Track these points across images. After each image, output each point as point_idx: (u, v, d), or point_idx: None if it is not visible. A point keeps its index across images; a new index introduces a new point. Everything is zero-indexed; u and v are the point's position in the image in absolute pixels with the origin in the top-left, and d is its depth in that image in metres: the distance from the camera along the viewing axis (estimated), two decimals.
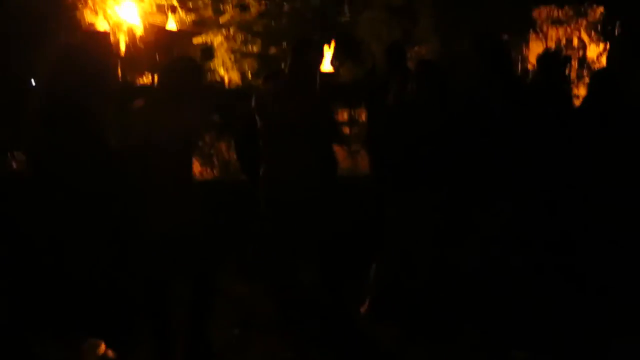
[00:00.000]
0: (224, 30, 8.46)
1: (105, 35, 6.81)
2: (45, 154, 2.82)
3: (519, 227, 3.32)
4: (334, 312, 3.64)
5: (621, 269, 3.35)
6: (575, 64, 7.57)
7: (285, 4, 8.42)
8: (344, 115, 6.76)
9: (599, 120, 3.49)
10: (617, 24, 6.96)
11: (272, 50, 8.38)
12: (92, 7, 7.44)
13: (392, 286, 3.60)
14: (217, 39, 8.48)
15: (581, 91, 6.72)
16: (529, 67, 7.60)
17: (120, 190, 2.89)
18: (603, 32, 7.33)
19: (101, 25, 6.84)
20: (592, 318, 3.25)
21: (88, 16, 7.39)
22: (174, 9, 8.11)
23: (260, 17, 8.50)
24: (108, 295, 2.93)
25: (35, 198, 2.87)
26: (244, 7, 8.40)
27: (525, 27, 7.78)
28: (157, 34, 7.66)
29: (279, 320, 3.62)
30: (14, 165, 5.16)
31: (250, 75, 8.45)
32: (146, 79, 7.51)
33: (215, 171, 6.21)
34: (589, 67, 7.53)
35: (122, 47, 7.60)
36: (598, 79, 3.76)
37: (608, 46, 7.19)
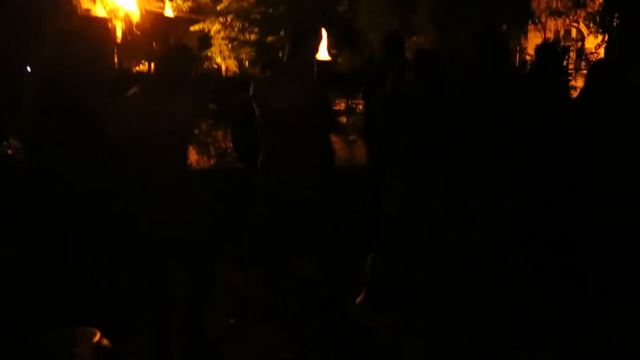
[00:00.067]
0: (221, 18, 8.41)
1: (103, 21, 6.75)
2: (41, 146, 2.81)
3: (519, 227, 3.32)
4: (330, 301, 3.65)
5: (621, 268, 3.35)
6: (573, 55, 7.56)
7: None
8: (341, 105, 6.75)
9: (598, 116, 3.48)
10: (616, 15, 6.93)
11: (270, 38, 8.34)
12: None
13: (389, 277, 3.60)
14: (214, 27, 8.43)
15: (579, 83, 6.72)
16: (527, 58, 7.59)
17: (117, 181, 2.88)
18: (602, 23, 7.30)
19: (99, 11, 6.78)
20: (592, 318, 3.25)
21: (85, 2, 7.33)
22: None
23: (258, 5, 8.45)
24: (105, 286, 2.93)
25: (33, 190, 2.87)
26: None
27: (524, 18, 7.75)
28: (154, 21, 7.60)
29: (275, 310, 3.62)
30: (10, 152, 5.14)
31: (247, 64, 8.41)
32: (142, 67, 7.47)
33: (211, 159, 6.20)
34: (587, 59, 7.52)
35: (119, 34, 7.55)
36: (596, 70, 3.75)
37: (607, 37, 7.16)
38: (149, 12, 7.75)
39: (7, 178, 3.56)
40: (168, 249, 2.96)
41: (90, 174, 2.82)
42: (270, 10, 8.50)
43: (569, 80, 6.31)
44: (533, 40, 7.61)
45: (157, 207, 2.87)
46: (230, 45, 8.44)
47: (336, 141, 5.31)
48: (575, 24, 7.83)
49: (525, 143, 3.31)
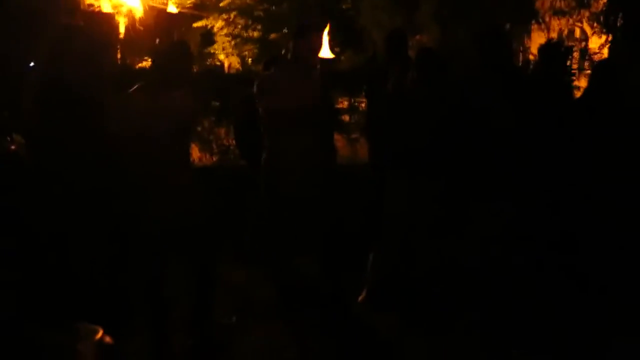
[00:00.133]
0: (224, 15, 8.41)
1: (108, 16, 6.74)
2: (42, 143, 2.82)
3: (519, 227, 3.32)
4: (332, 300, 3.65)
5: (622, 268, 3.35)
6: (576, 55, 7.53)
7: None
8: (344, 103, 6.74)
9: (601, 116, 3.48)
10: (620, 15, 6.90)
11: (273, 35, 8.33)
12: None
13: (390, 276, 3.61)
14: (217, 24, 8.43)
15: (582, 83, 6.70)
16: (531, 57, 7.56)
17: (117, 179, 2.89)
18: (605, 24, 7.27)
19: (105, 7, 6.77)
20: (593, 318, 3.25)
21: None
22: None
23: (261, 2, 8.44)
24: (104, 284, 2.93)
25: (34, 188, 2.87)
26: None
27: (528, 17, 7.72)
28: (157, 16, 7.61)
29: (277, 308, 3.63)
30: (13, 147, 5.13)
31: (250, 61, 8.41)
32: (146, 63, 7.47)
33: (214, 157, 6.20)
34: (591, 59, 7.49)
35: (122, 30, 7.55)
36: (600, 71, 3.75)
37: (610, 37, 7.14)
38: (152, 8, 7.75)
39: (9, 174, 3.56)
40: (168, 244, 2.96)
41: (90, 172, 2.82)
42: (274, 7, 8.50)
43: (572, 80, 6.28)
44: (536, 40, 7.58)
45: (157, 202, 2.88)
46: (233, 42, 8.44)
47: (338, 139, 5.30)
48: (579, 24, 7.80)
49: (527, 143, 3.31)
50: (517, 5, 7.38)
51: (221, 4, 8.40)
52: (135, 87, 2.97)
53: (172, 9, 7.97)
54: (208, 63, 8.64)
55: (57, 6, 5.98)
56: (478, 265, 3.36)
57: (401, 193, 3.53)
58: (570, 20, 7.77)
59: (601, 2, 7.56)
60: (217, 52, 8.58)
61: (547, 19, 7.80)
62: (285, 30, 8.01)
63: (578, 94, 4.38)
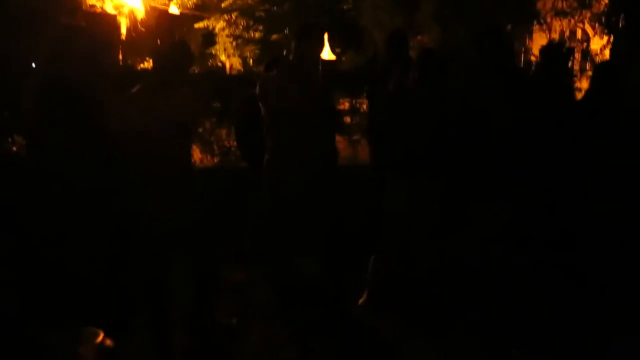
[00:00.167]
0: (225, 16, 8.41)
1: (110, 17, 6.76)
2: (42, 143, 2.82)
3: (519, 227, 3.31)
4: (333, 301, 3.65)
5: (622, 268, 3.35)
6: (578, 56, 7.53)
7: None
8: (345, 104, 6.74)
9: (601, 116, 3.47)
10: (622, 16, 6.90)
11: (274, 36, 8.34)
12: None
13: (390, 277, 3.61)
14: (219, 24, 8.43)
15: (584, 84, 6.70)
16: (532, 58, 7.57)
17: (118, 178, 2.89)
18: (607, 25, 7.27)
19: (108, 7, 6.79)
20: (593, 317, 3.24)
21: None
22: None
23: (262, 3, 8.45)
24: (107, 285, 2.93)
25: (34, 188, 2.87)
26: None
27: (529, 18, 7.73)
28: (159, 17, 7.62)
29: (277, 309, 3.63)
30: (14, 148, 5.14)
31: (251, 62, 8.41)
32: (147, 64, 7.48)
33: (215, 158, 6.20)
34: (592, 60, 7.50)
35: (123, 31, 7.56)
36: (601, 72, 3.74)
37: (612, 39, 7.14)
38: (153, 9, 7.76)
39: (10, 174, 3.57)
40: (169, 243, 2.96)
41: (91, 172, 2.82)
42: (275, 8, 8.50)
43: (574, 82, 6.28)
44: (538, 41, 7.59)
45: (157, 201, 2.88)
46: (234, 43, 8.44)
47: (340, 141, 5.30)
48: (581, 25, 7.79)
49: (527, 143, 3.31)
50: (518, 6, 7.38)
51: (223, 5, 8.41)
52: (136, 87, 2.98)
53: (174, 9, 7.98)
54: (210, 64, 8.64)
55: (58, 6, 5.99)
56: (478, 266, 3.35)
57: (401, 193, 3.53)
58: (572, 21, 7.78)
59: (603, 3, 7.56)
60: (218, 52, 8.58)
61: (548, 20, 7.80)
62: (286, 31, 8.02)
63: (579, 95, 4.38)
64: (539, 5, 7.75)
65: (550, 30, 7.72)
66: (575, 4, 7.67)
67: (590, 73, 6.36)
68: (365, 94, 5.52)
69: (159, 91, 2.89)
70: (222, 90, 6.09)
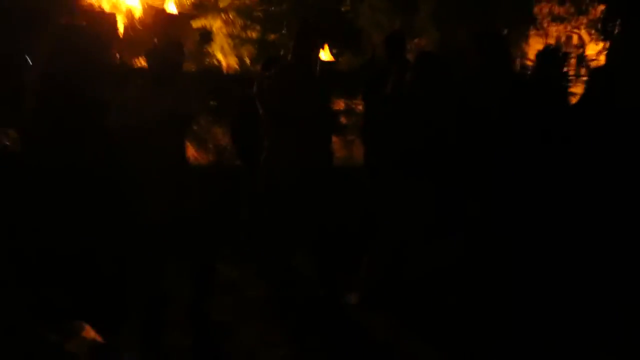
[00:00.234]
0: (223, 15, 8.40)
1: (109, 16, 6.75)
2: (40, 139, 2.82)
3: (517, 227, 3.32)
4: (327, 300, 3.66)
5: (622, 268, 3.36)
6: (574, 61, 7.56)
7: None
8: (340, 105, 6.74)
9: (596, 122, 3.49)
10: (618, 22, 6.93)
11: (272, 36, 8.33)
12: None
13: (384, 277, 3.61)
14: (216, 23, 8.41)
15: (578, 89, 6.72)
16: (528, 63, 7.59)
17: (116, 176, 2.89)
18: (603, 30, 7.31)
19: (106, 6, 6.78)
20: (592, 317, 3.25)
21: None
22: None
23: (260, 3, 8.44)
24: (99, 282, 2.93)
25: (30, 184, 2.87)
26: None
27: (526, 23, 7.75)
28: (156, 16, 7.60)
29: (271, 307, 3.63)
30: (7, 143, 5.12)
31: (248, 61, 8.40)
32: (144, 62, 7.46)
33: (210, 156, 6.19)
34: (588, 65, 7.52)
35: (121, 29, 7.54)
36: (596, 77, 3.76)
37: (608, 44, 7.17)
38: (151, 7, 7.74)
39: (4, 170, 3.55)
40: (164, 240, 2.96)
41: (90, 170, 2.82)
42: (272, 8, 8.49)
43: (569, 86, 6.31)
44: (534, 46, 7.60)
45: (154, 197, 2.89)
46: (231, 43, 8.43)
47: (335, 141, 5.29)
48: (577, 30, 7.83)
49: (523, 145, 3.32)
50: (515, 11, 7.40)
51: (220, 4, 8.39)
52: (131, 85, 2.99)
53: (172, 8, 7.96)
54: (206, 63, 8.62)
55: (58, 5, 5.98)
56: (475, 266, 3.36)
57: (397, 194, 3.54)
58: (568, 27, 7.81)
59: (599, 9, 7.60)
60: (215, 52, 8.56)
61: (545, 25, 7.83)
62: (284, 31, 8.01)
63: (574, 101, 4.39)
64: (536, 10, 7.77)
65: (546, 35, 7.75)
66: (572, 10, 7.70)
67: (585, 78, 6.38)
68: (361, 95, 5.52)
69: (150, 89, 2.91)
70: (218, 89, 6.08)
